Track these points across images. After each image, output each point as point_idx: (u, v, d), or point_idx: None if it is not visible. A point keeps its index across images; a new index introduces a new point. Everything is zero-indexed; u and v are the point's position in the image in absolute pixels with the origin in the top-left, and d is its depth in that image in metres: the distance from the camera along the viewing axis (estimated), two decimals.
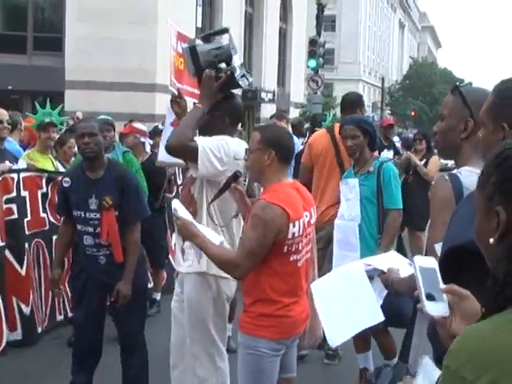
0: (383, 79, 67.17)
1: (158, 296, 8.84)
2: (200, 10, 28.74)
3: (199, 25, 28.44)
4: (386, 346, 5.77)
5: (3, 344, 6.87)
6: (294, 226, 3.87)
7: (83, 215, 5.31)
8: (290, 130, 11.28)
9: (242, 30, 32.36)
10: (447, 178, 2.86)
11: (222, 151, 4.59)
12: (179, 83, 5.86)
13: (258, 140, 4.05)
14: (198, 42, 4.79)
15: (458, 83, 2.99)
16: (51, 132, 7.56)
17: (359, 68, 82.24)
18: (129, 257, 5.32)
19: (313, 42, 26.65)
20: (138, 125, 8.76)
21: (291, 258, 3.95)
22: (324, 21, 30.20)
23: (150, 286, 8.91)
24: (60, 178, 5.99)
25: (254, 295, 4.01)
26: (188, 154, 4.68)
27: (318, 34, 27.32)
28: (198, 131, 4.77)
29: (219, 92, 4.70)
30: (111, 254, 5.31)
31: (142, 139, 8.45)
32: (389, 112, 71.89)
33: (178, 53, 5.86)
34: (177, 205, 4.16)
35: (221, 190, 4.39)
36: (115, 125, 7.75)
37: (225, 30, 4.98)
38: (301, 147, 10.41)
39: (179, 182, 9.89)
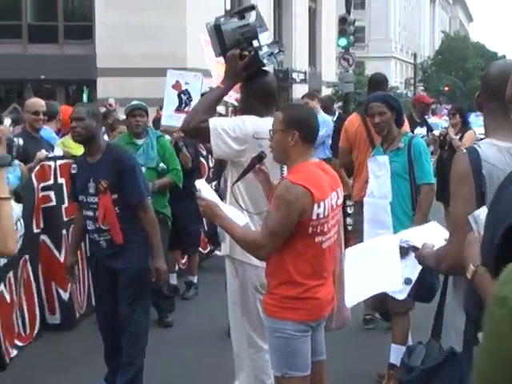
0: (415, 55, 66.60)
1: (194, 279, 8.91)
2: None
3: (228, 6, 28.38)
4: (401, 332, 5.78)
5: (37, 327, 7.02)
6: (318, 206, 3.80)
7: (85, 200, 5.41)
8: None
9: (271, 10, 32.24)
10: (465, 151, 2.86)
11: (237, 130, 4.52)
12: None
13: (280, 121, 3.98)
14: (223, 20, 4.66)
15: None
16: None
17: (390, 45, 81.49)
18: (151, 237, 5.41)
19: (343, 21, 26.51)
20: None
21: (316, 240, 3.88)
22: None
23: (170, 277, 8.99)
24: None
25: (278, 277, 3.96)
26: (201, 135, 4.66)
27: (348, 11, 27.18)
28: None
29: (243, 72, 4.61)
30: (111, 239, 5.37)
31: (175, 134, 8.43)
32: (422, 88, 71.22)
33: (217, 61, 5.85)
34: (201, 185, 4.12)
35: (244, 171, 4.33)
36: (148, 110, 7.78)
37: (251, 7, 4.86)
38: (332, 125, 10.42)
39: (211, 165, 9.93)
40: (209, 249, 10.25)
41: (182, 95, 8.38)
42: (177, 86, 8.44)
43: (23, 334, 6.79)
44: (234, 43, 4.56)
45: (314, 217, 3.81)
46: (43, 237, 7.18)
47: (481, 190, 2.77)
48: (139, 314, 5.49)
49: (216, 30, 4.60)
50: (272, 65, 4.80)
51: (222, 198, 4.68)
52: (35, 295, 7.04)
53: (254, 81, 4.71)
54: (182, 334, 7.32)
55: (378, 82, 7.60)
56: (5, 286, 6.33)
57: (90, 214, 5.39)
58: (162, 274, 5.46)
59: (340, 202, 4.08)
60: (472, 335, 2.68)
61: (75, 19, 26.22)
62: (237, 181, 4.42)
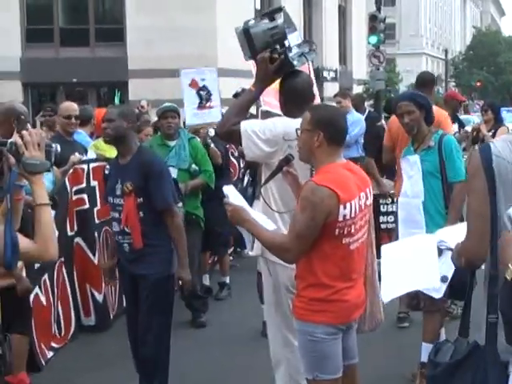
0: (446, 51, 66.11)
1: (226, 279, 8.91)
2: None
3: (258, 6, 28.37)
4: (432, 330, 5.74)
5: (72, 329, 7.10)
6: (344, 208, 3.76)
7: (112, 201, 5.40)
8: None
9: (301, 9, 32.18)
10: (477, 148, 2.91)
11: (267, 132, 4.51)
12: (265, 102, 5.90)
13: (307, 121, 3.96)
14: (252, 23, 4.60)
15: None
16: None
17: (421, 41, 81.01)
18: (176, 244, 5.32)
19: (373, 18, 26.39)
20: None
21: (343, 241, 3.84)
22: None
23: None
24: None
25: (306, 280, 3.94)
26: (234, 138, 4.65)
27: (378, 9, 27.04)
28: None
29: (274, 74, 4.60)
30: (132, 243, 5.31)
31: (201, 130, 8.50)
32: (453, 84, 70.72)
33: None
34: (228, 191, 4.12)
35: (272, 174, 4.33)
36: (179, 111, 7.82)
37: (279, 9, 4.78)
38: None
39: (242, 166, 9.94)
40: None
41: (200, 92, 8.47)
42: (193, 83, 8.52)
43: (58, 335, 6.87)
44: (264, 46, 4.52)
45: (341, 218, 3.77)
46: (77, 239, 7.26)
47: (493, 183, 2.82)
48: (157, 329, 5.34)
49: (245, 34, 4.56)
50: (304, 64, 4.74)
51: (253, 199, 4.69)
52: (70, 297, 7.12)
53: (285, 82, 4.70)
54: (215, 335, 7.35)
55: (426, 81, 7.49)
56: (40, 288, 6.41)
57: (116, 215, 5.37)
58: (186, 283, 5.39)
59: (369, 202, 4.04)
60: (496, 330, 2.77)
61: (106, 22, 26.38)
62: (264, 183, 4.44)
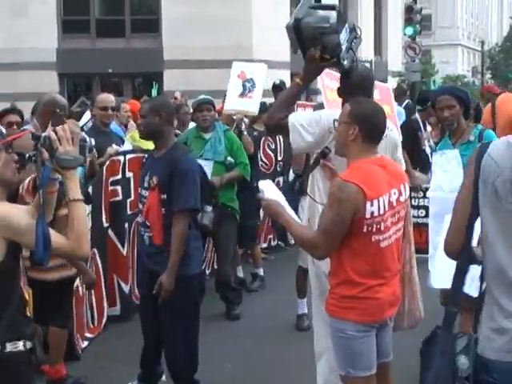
0: (483, 42, 65.38)
1: (260, 271, 8.91)
2: None
3: None
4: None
5: (104, 319, 7.16)
6: (372, 204, 3.74)
7: (140, 192, 5.42)
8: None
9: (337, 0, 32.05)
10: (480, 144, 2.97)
11: (314, 124, 4.52)
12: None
13: (346, 113, 3.96)
14: (302, 13, 4.51)
15: None
16: None
17: (457, 32, 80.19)
18: (171, 250, 5.13)
19: (409, 9, 26.25)
20: None
21: (373, 239, 3.82)
22: None
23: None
24: None
25: (337, 277, 3.95)
26: (282, 131, 4.70)
27: (414, 0, 26.83)
28: None
29: (322, 70, 4.63)
30: (152, 237, 5.25)
31: (235, 117, 8.57)
32: (489, 76, 69.95)
33: (329, 88, 5.86)
34: (264, 185, 4.15)
35: (310, 167, 4.37)
36: (214, 103, 7.85)
37: (332, 7, 4.69)
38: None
39: (279, 158, 9.91)
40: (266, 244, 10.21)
41: (246, 83, 8.60)
42: (241, 75, 8.66)
43: (92, 325, 6.92)
44: (313, 41, 4.46)
45: (368, 215, 3.76)
46: (110, 230, 7.29)
47: (476, 180, 2.86)
48: (179, 330, 5.29)
49: (295, 28, 4.48)
50: (353, 60, 4.63)
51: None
52: (103, 288, 7.15)
53: (344, 76, 4.68)
54: (249, 327, 7.37)
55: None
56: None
57: (141, 206, 5.38)
58: (164, 292, 5.13)
59: (403, 198, 3.99)
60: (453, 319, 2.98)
61: (142, 13, 26.42)
62: (304, 176, 4.45)
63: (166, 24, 24.40)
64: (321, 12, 4.57)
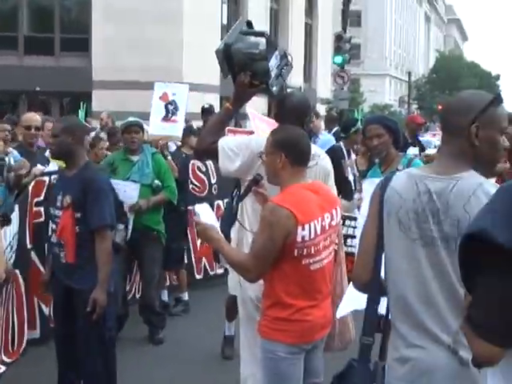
0: (410, 73, 66.76)
1: (184, 296, 8.86)
2: (225, 6, 28.71)
3: (224, 21, 28.42)
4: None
5: (24, 343, 6.93)
6: (303, 229, 3.79)
7: (52, 211, 5.38)
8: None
9: (267, 26, 32.29)
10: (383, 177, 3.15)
11: (243, 149, 4.53)
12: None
13: (269, 143, 4.03)
14: (232, 39, 4.55)
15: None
16: None
17: (385, 62, 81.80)
18: (100, 266, 5.19)
19: (338, 38, 26.66)
20: None
21: (303, 262, 3.87)
22: (349, 16, 30.16)
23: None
24: None
25: (269, 299, 3.98)
26: (212, 156, 4.70)
27: (344, 29, 27.30)
28: None
29: (252, 96, 4.63)
30: (66, 255, 5.27)
31: (160, 141, 8.58)
32: (415, 106, 71.44)
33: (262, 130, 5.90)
34: (200, 209, 4.16)
35: (243, 194, 4.40)
36: (143, 126, 7.82)
37: (261, 34, 4.71)
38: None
39: (212, 181, 9.88)
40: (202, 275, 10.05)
41: (168, 105, 8.70)
42: (164, 97, 8.75)
43: (10, 349, 6.74)
44: (243, 66, 4.49)
45: (299, 239, 3.80)
46: (32, 253, 7.08)
47: (381, 212, 2.95)
48: (95, 343, 5.31)
49: (225, 52, 4.50)
50: (281, 87, 4.67)
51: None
52: (25, 310, 6.95)
53: (281, 102, 4.70)
54: (172, 352, 7.29)
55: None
56: None
57: (54, 226, 5.35)
58: (99, 307, 5.17)
59: (335, 222, 4.04)
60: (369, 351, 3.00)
61: (72, 31, 26.21)
62: (237, 203, 4.47)
63: (96, 43, 24.24)
64: (251, 38, 4.60)
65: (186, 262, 9.17)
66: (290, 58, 4.71)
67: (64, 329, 5.44)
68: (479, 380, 2.70)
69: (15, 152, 6.80)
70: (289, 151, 3.94)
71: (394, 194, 2.91)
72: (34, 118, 7.58)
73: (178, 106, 8.83)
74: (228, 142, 4.60)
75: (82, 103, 8.35)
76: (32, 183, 6.89)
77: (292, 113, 4.59)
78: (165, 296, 8.71)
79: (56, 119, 6.29)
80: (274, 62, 4.51)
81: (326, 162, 4.95)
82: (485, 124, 2.80)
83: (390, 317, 3.00)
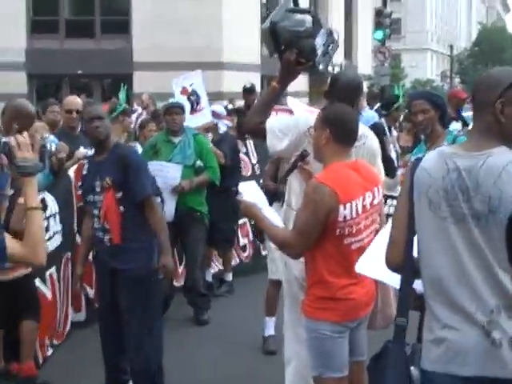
0: (452, 47, 65.95)
1: (228, 276, 8.88)
2: None
3: (264, 0, 28.31)
4: None
5: (68, 326, 7.05)
6: (344, 208, 3.82)
7: (92, 199, 5.40)
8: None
9: (307, 2, 32.11)
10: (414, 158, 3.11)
11: (292, 128, 4.54)
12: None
13: (318, 118, 4.07)
14: (278, 17, 4.51)
15: None
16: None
17: (427, 37, 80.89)
18: (159, 236, 5.36)
19: (379, 13, 26.44)
20: (214, 107, 9.08)
21: (345, 241, 3.90)
22: None
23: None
24: None
25: (312, 278, 4.01)
26: (260, 136, 4.71)
27: (384, 4, 27.08)
28: None
29: (298, 74, 4.60)
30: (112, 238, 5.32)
31: (216, 121, 8.64)
32: (458, 81, 70.57)
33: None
34: (244, 187, 4.26)
35: (289, 170, 4.43)
36: (184, 107, 7.83)
37: (307, 11, 4.71)
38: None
39: (253, 161, 9.86)
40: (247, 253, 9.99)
41: (190, 97, 8.72)
42: (184, 91, 8.80)
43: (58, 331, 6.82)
44: (289, 44, 4.45)
45: (341, 218, 3.83)
46: (77, 237, 7.10)
47: (411, 192, 2.95)
48: (143, 325, 5.35)
49: (271, 31, 4.47)
50: (328, 64, 4.65)
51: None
52: (70, 293, 7.03)
53: (331, 81, 4.76)
54: (217, 333, 7.31)
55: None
56: (45, 282, 6.33)
57: (96, 212, 5.38)
58: (169, 271, 5.43)
59: (377, 201, 4.06)
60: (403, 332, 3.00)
61: (112, 13, 26.28)
62: (282, 180, 4.50)
63: (136, 25, 24.30)
64: (297, 16, 4.56)
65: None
66: (336, 35, 4.66)
67: (109, 311, 5.48)
68: (510, 362, 2.71)
69: (51, 137, 6.82)
70: (334, 128, 3.95)
71: (423, 173, 2.90)
72: (75, 101, 7.60)
73: (199, 93, 9.00)
74: (276, 122, 4.61)
75: (122, 85, 8.35)
76: (75, 166, 6.93)
77: (344, 91, 4.64)
78: (209, 277, 8.74)
79: (89, 102, 6.32)
80: (320, 40, 4.48)
81: (374, 142, 4.94)
82: (510, 100, 2.77)
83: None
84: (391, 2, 34.61)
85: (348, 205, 3.82)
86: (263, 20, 27.77)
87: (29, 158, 3.13)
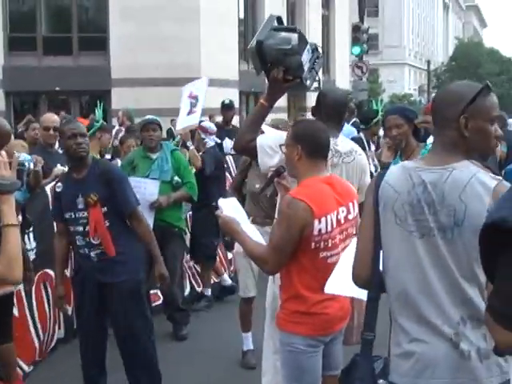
0: (429, 62, 66.34)
1: (207, 291, 8.90)
2: (241, 1, 28.70)
3: (241, 16, 28.44)
4: None
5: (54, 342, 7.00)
6: (319, 222, 3.83)
7: (73, 216, 5.37)
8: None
9: (284, 18, 32.24)
10: (379, 172, 3.17)
11: (279, 145, 4.53)
12: None
13: (288, 135, 4.10)
14: (264, 35, 4.54)
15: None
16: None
17: (404, 52, 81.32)
18: (149, 245, 5.51)
19: (356, 29, 26.55)
20: (204, 123, 9.17)
21: (321, 255, 3.91)
22: (366, 6, 30.05)
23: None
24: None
25: (287, 292, 4.02)
26: (251, 154, 4.76)
27: (361, 19, 27.22)
28: None
29: (285, 91, 4.66)
30: (103, 253, 5.33)
31: (203, 136, 8.75)
32: None
33: None
34: (223, 203, 4.27)
35: (265, 185, 4.47)
36: (161, 121, 7.87)
37: (293, 30, 4.69)
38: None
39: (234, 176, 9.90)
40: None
41: (192, 100, 9.13)
42: (191, 95, 9.09)
43: (38, 349, 6.78)
44: (276, 61, 4.48)
45: (316, 232, 3.84)
46: None
47: (377, 207, 2.94)
48: (139, 333, 5.49)
49: (258, 49, 4.49)
50: (315, 80, 4.70)
51: None
52: (47, 310, 6.97)
53: (318, 98, 4.81)
54: (196, 348, 7.31)
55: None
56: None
57: (80, 229, 5.36)
58: (166, 279, 5.53)
59: (352, 216, 4.06)
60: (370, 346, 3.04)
61: (90, 31, 26.32)
62: (260, 193, 4.53)
63: (114, 42, 24.34)
64: (282, 34, 4.60)
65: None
66: (320, 50, 4.72)
67: (93, 327, 5.50)
68: (481, 373, 2.73)
69: (23, 155, 6.81)
70: (305, 144, 3.98)
71: (388, 188, 2.91)
72: (53, 118, 7.59)
73: (199, 98, 9.18)
74: (266, 140, 4.63)
75: (98, 101, 8.37)
76: (51, 184, 6.88)
77: (332, 107, 4.73)
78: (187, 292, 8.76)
79: (72, 119, 6.31)
80: (306, 56, 4.53)
81: (363, 158, 5.03)
82: (473, 115, 2.81)
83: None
84: (368, 18, 34.80)
85: (323, 219, 3.84)
86: (241, 37, 27.97)
87: (6, 176, 3.13)
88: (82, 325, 5.75)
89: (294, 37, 4.53)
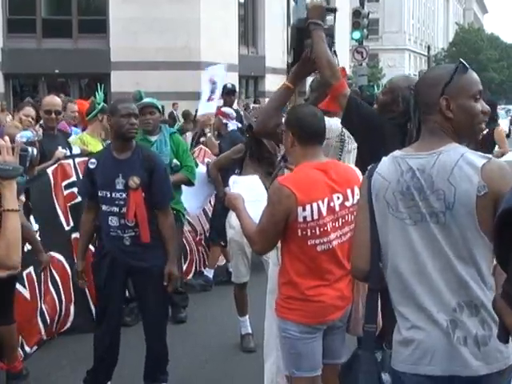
0: (429, 47, 66.27)
1: (207, 271, 8.96)
2: None
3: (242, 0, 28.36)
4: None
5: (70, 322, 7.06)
6: (304, 209, 3.81)
7: (109, 195, 5.29)
8: None
9: (285, 3, 32.17)
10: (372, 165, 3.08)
11: None
12: None
13: (284, 122, 4.12)
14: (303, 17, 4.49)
15: None
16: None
17: (404, 37, 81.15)
18: (168, 243, 5.37)
19: (356, 13, 26.52)
20: (224, 109, 9.29)
21: (309, 243, 3.87)
22: None
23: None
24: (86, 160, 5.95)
25: (282, 277, 4.03)
26: (275, 138, 4.74)
27: (362, 4, 27.18)
28: None
29: (313, 72, 4.65)
30: (136, 236, 5.29)
31: (225, 121, 8.97)
32: None
33: None
34: (233, 182, 4.39)
35: (276, 171, 4.49)
36: (163, 103, 7.88)
37: (334, 10, 4.73)
38: None
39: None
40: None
41: (212, 85, 9.59)
42: (211, 79, 9.39)
43: (44, 332, 6.77)
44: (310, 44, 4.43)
45: (300, 219, 3.82)
46: (74, 234, 6.97)
47: (370, 198, 2.95)
48: (166, 310, 5.77)
49: (298, 29, 4.48)
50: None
51: None
52: (54, 294, 6.91)
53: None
54: (195, 330, 7.35)
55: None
56: (23, 282, 6.30)
57: (115, 209, 5.28)
58: (174, 279, 5.44)
59: (350, 203, 3.97)
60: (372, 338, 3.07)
61: (89, 13, 26.25)
62: (272, 180, 4.55)
63: (113, 25, 24.28)
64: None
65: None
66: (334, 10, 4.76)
67: (116, 311, 5.51)
68: (478, 359, 2.75)
69: (23, 133, 6.81)
70: (296, 130, 3.97)
71: (378, 178, 2.92)
72: (54, 101, 7.49)
73: (218, 85, 9.45)
74: None
75: (99, 84, 8.31)
76: (53, 167, 6.89)
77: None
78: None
79: (124, 99, 6.20)
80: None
81: None
82: (454, 94, 2.80)
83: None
84: (368, 3, 34.66)
85: (308, 206, 3.81)
86: (241, 21, 27.85)
87: (9, 161, 3.13)
88: (105, 308, 5.55)
89: (331, 18, 4.55)
